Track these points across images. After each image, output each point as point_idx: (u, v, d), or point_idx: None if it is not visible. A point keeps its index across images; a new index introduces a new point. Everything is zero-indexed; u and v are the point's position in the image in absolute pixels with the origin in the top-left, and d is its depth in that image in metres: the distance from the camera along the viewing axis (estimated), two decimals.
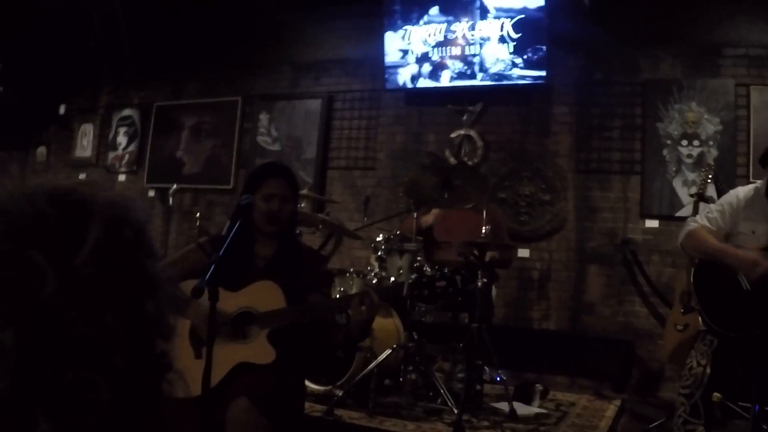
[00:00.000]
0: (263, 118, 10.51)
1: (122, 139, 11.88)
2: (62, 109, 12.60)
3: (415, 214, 6.66)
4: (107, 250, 1.04)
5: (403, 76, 9.38)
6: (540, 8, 8.54)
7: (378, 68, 9.58)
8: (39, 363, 0.96)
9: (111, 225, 1.06)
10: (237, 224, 3.58)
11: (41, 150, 12.85)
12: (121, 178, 11.83)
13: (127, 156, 11.80)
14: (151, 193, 11.30)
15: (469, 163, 8.75)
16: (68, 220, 1.03)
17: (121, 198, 1.12)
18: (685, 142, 8.11)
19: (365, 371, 6.03)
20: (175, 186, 9.51)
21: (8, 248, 0.98)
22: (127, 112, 11.92)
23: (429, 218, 7.28)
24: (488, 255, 6.47)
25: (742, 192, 4.77)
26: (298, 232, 6.12)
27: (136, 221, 1.11)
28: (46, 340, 0.97)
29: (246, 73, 10.85)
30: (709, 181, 6.31)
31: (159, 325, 1.10)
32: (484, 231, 6.41)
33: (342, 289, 6.56)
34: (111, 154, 11.96)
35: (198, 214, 9.66)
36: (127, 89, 12.03)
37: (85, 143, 12.31)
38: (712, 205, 5.03)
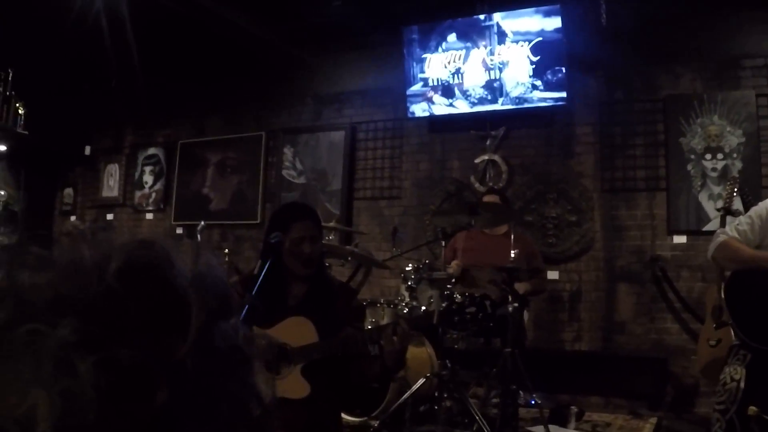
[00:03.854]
0: (287, 151, 10.57)
1: (148, 178, 11.98)
2: (87, 150, 12.71)
3: (443, 243, 6.69)
4: (206, 331, 0.83)
5: (425, 104, 9.41)
6: (557, 30, 8.56)
7: (399, 97, 9.62)
8: None
9: (206, 301, 0.84)
10: (268, 263, 3.61)
11: (68, 191, 12.95)
12: (149, 216, 11.93)
13: (153, 194, 11.89)
14: (179, 231, 11.36)
15: (495, 187, 8.74)
16: (156, 302, 0.80)
17: (200, 262, 0.89)
18: (708, 156, 8.10)
19: (400, 401, 6.03)
20: (202, 223, 9.55)
21: (98, 344, 0.74)
22: (152, 150, 12.03)
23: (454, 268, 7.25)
24: (520, 288, 6.49)
25: None
26: (327, 264, 6.15)
27: (221, 287, 0.89)
28: None
29: (268, 108, 10.93)
30: (734, 194, 6.26)
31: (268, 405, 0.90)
32: (513, 255, 6.42)
33: (373, 319, 6.58)
34: (138, 194, 12.06)
35: (227, 250, 9.71)
36: (151, 128, 12.14)
37: (111, 183, 12.41)
38: (741, 218, 4.99)
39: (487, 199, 7.41)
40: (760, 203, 4.87)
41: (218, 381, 0.82)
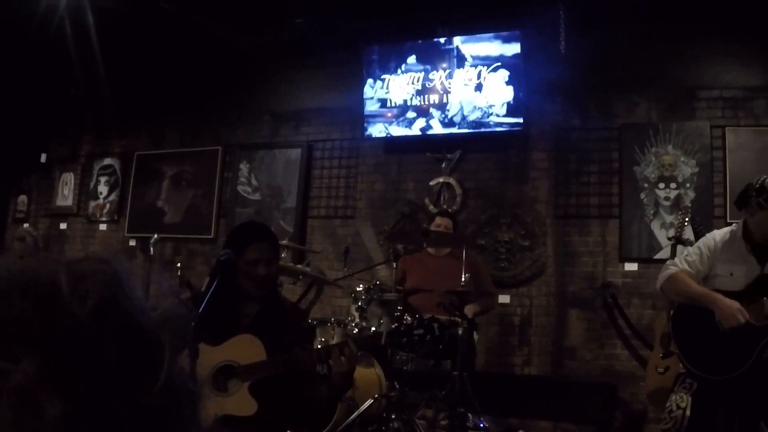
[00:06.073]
0: (243, 167, 10.53)
1: (103, 189, 11.88)
2: (43, 158, 12.60)
3: (394, 265, 6.70)
4: (171, 373, 0.80)
5: (382, 125, 9.41)
6: (516, 55, 8.62)
7: (357, 117, 9.62)
8: None
9: (175, 345, 0.82)
10: (216, 280, 3.60)
11: (22, 199, 12.84)
12: (102, 227, 11.83)
13: (107, 205, 11.80)
14: (132, 243, 11.27)
15: (447, 210, 8.74)
16: (129, 344, 0.77)
17: (169, 301, 0.87)
18: (662, 185, 8.16)
19: (348, 421, 6.03)
20: (156, 236, 9.48)
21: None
22: (108, 161, 11.94)
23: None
24: (470, 311, 6.50)
25: (718, 235, 4.80)
26: (279, 282, 6.13)
27: (184, 328, 0.88)
28: None
29: (226, 123, 10.89)
30: (686, 223, 6.33)
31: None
32: (463, 279, 6.43)
33: (323, 339, 6.57)
34: (92, 204, 11.96)
35: (179, 264, 9.65)
36: (108, 138, 12.05)
37: (66, 192, 12.31)
38: (689, 248, 5.05)
39: (438, 221, 7.43)
40: (708, 234, 4.95)
41: (175, 420, 0.80)
